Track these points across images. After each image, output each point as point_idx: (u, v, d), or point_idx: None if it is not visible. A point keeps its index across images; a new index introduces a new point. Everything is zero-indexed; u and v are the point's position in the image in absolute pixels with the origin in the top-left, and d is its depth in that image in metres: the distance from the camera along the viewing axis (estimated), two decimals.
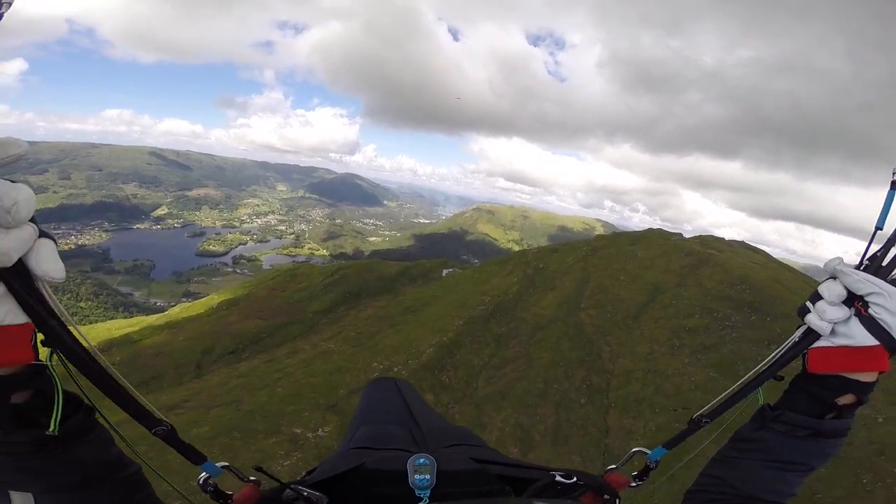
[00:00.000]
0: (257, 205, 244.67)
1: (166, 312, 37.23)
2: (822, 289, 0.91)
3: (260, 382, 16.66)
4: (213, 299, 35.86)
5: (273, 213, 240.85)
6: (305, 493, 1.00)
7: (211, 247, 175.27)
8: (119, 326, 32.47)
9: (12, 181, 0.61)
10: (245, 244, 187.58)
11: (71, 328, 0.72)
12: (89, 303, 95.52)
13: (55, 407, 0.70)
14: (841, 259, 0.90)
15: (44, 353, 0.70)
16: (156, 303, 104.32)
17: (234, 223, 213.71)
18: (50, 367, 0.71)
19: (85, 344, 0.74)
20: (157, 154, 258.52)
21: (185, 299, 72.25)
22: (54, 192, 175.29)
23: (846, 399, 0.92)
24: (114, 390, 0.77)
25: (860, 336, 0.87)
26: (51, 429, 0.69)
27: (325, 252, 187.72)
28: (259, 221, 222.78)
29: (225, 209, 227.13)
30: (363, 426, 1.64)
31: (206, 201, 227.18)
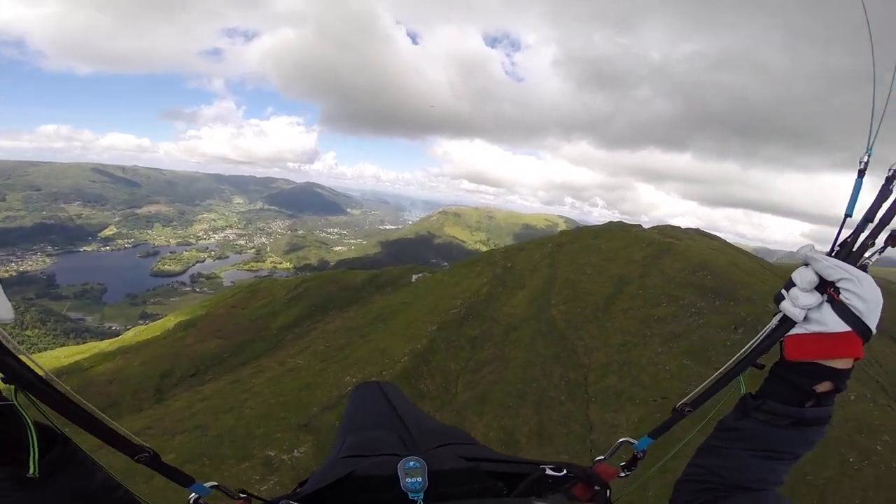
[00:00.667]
0: (213, 219, 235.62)
1: (119, 337, 35.27)
2: (795, 275, 0.92)
3: (226, 405, 15.80)
4: (168, 321, 34.22)
5: (231, 227, 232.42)
6: None
7: (166, 266, 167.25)
8: (68, 354, 30.48)
9: None
10: (203, 261, 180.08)
11: (29, 362, 0.70)
12: (36, 331, 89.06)
13: (31, 447, 0.68)
14: (812, 245, 0.92)
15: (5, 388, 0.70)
16: (111, 327, 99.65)
17: (190, 240, 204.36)
18: (17, 405, 0.69)
19: (46, 377, 0.73)
20: (101, 170, 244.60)
21: (142, 322, 68.50)
22: None
23: (823, 387, 0.92)
24: (87, 420, 0.77)
25: (832, 322, 0.87)
26: (31, 471, 0.67)
27: (288, 265, 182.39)
28: (216, 237, 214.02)
29: (179, 226, 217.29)
30: (351, 434, 1.60)
31: (158, 218, 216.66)
